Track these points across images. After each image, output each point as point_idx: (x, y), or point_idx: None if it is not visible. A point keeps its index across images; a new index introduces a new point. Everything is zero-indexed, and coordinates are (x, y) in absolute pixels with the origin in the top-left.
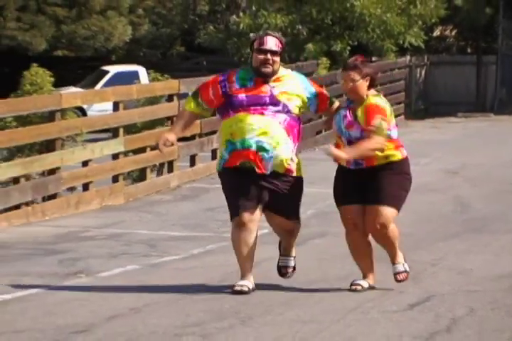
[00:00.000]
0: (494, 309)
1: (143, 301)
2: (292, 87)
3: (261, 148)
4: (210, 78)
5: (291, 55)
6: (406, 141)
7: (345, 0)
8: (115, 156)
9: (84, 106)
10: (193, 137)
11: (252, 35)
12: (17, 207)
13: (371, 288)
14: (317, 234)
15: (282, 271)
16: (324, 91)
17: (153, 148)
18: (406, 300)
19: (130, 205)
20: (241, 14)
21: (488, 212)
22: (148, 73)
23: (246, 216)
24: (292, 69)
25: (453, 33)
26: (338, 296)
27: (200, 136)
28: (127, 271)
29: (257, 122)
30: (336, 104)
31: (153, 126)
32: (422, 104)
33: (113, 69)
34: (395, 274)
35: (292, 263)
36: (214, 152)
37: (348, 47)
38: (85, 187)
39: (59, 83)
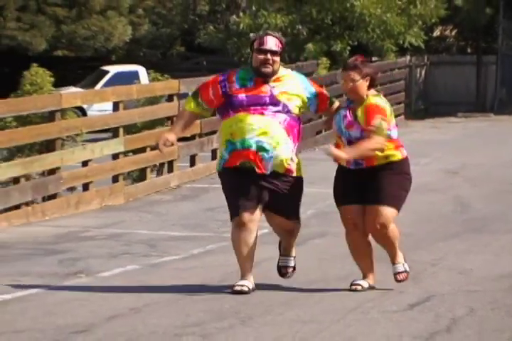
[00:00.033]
0: (494, 309)
1: (143, 301)
2: (292, 87)
3: (261, 148)
4: (210, 78)
5: (291, 55)
6: (406, 141)
7: (345, 0)
8: (115, 156)
9: (84, 106)
10: (193, 137)
11: (252, 35)
12: (17, 207)
13: (371, 288)
14: (317, 234)
15: (282, 271)
16: (324, 91)
17: (153, 148)
18: (406, 300)
19: (130, 205)
20: (241, 14)
21: (488, 212)
22: (148, 73)
23: (246, 216)
24: (292, 69)
25: (453, 33)
26: (338, 296)
27: (200, 136)
28: (127, 271)
29: (257, 122)
30: (336, 104)
31: (153, 126)
32: (422, 104)
33: (113, 70)
34: (395, 274)
35: (292, 263)
36: (214, 152)
37: (348, 47)
38: (85, 187)
39: (59, 83)
